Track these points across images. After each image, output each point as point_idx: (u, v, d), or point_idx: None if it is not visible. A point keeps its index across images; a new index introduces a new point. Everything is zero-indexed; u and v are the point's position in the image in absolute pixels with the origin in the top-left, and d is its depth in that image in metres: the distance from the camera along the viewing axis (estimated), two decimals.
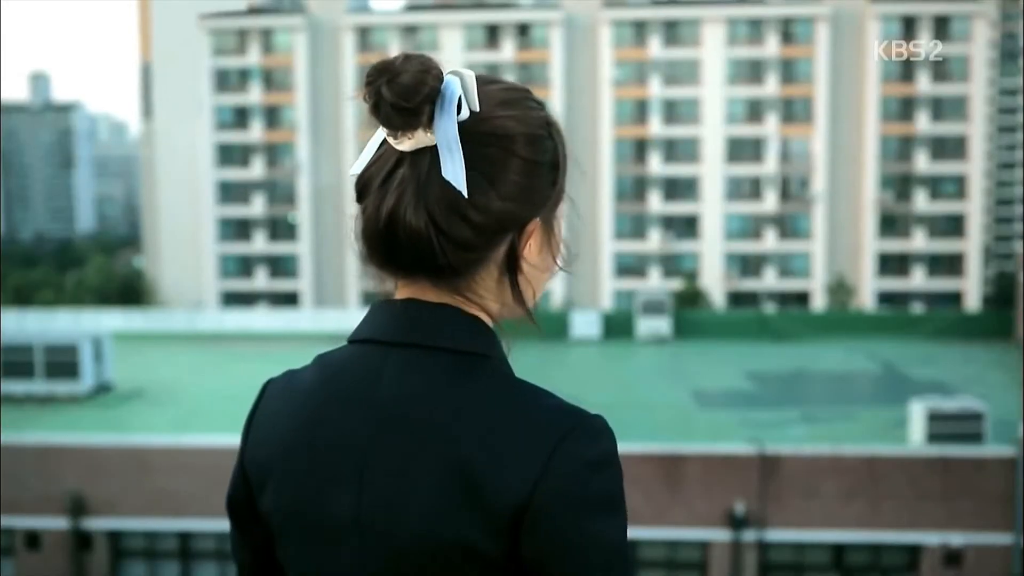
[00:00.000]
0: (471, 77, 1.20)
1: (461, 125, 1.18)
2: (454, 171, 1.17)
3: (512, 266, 1.24)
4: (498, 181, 1.20)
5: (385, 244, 1.21)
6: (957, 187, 66.65)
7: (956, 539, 16.91)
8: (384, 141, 1.22)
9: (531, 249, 1.25)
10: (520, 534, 1.14)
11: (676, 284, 62.02)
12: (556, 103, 66.04)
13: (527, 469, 1.14)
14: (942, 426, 18.31)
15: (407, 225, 1.18)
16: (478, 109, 1.19)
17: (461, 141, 1.18)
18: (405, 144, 1.18)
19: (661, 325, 35.00)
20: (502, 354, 1.25)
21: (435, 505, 1.15)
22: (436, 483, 1.16)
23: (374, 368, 1.22)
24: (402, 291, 1.26)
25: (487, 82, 1.24)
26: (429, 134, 1.17)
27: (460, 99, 1.18)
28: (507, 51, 67.78)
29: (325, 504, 1.21)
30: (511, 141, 1.21)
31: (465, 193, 1.17)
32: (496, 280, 1.24)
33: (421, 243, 1.19)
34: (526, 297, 1.27)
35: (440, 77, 1.17)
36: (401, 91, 1.15)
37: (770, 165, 66.54)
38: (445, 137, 1.17)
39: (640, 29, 67.35)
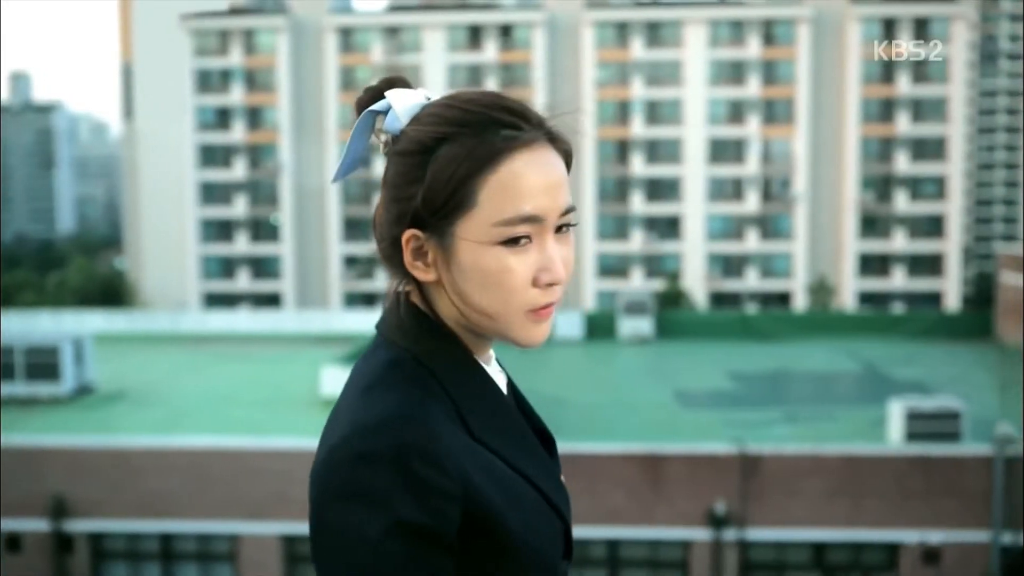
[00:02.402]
0: (397, 95, 1.32)
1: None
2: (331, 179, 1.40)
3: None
4: (382, 192, 1.33)
5: None
6: (937, 188, 67.06)
7: (935, 537, 17.05)
8: None
9: (433, 264, 1.30)
10: None
11: (658, 284, 62.13)
12: (538, 104, 66.04)
13: (321, 450, 1.26)
14: (920, 425, 18.46)
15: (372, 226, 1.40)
16: (397, 127, 1.31)
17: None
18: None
19: (643, 325, 35.09)
20: (424, 350, 1.31)
21: None
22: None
23: None
24: None
25: (450, 96, 1.33)
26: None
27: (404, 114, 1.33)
28: (490, 52, 67.81)
29: None
30: (391, 157, 1.31)
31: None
32: (438, 287, 1.33)
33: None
34: (436, 304, 1.34)
35: (375, 95, 1.33)
36: (355, 105, 1.35)
37: (752, 166, 66.79)
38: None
39: (622, 30, 67.50)
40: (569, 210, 1.32)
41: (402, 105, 1.31)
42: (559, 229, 1.32)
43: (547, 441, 1.46)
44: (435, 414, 1.26)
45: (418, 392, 1.27)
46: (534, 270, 1.28)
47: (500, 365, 1.46)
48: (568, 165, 1.37)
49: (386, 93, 1.33)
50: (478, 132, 1.27)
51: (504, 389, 1.40)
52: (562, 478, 1.47)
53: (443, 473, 1.21)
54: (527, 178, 1.28)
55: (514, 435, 1.35)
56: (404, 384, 1.28)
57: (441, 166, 1.26)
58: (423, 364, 1.31)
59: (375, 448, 1.21)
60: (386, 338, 1.34)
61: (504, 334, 1.32)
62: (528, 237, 1.28)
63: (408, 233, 1.29)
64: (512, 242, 1.27)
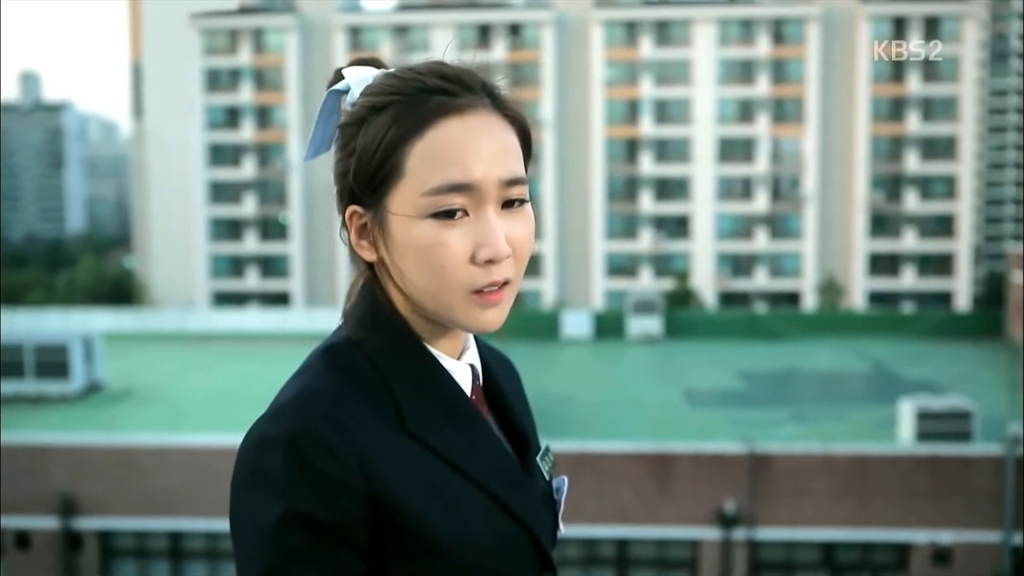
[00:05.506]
0: (353, 72, 1.26)
1: None
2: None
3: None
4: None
5: None
6: (947, 187, 66.84)
7: (945, 537, 16.97)
8: None
9: (376, 243, 1.24)
10: None
11: (667, 284, 62.07)
12: (548, 103, 66.12)
13: None
14: (931, 424, 18.38)
15: None
16: (352, 101, 1.26)
17: None
18: None
19: (652, 325, 35.04)
20: (365, 336, 1.25)
21: None
22: None
23: None
24: None
25: (396, 68, 1.28)
26: None
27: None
28: (499, 51, 67.78)
29: None
30: (337, 131, 1.27)
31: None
32: (385, 268, 1.26)
33: None
34: (386, 287, 1.26)
35: (340, 75, 1.28)
36: (327, 87, 1.30)
37: (761, 165, 66.66)
38: None
39: (631, 29, 67.42)
40: (515, 181, 1.20)
41: (356, 81, 1.25)
42: (510, 205, 1.21)
43: (523, 445, 1.35)
44: (348, 401, 1.18)
45: (337, 378, 1.20)
46: (471, 245, 1.18)
47: (490, 359, 1.37)
48: (525, 138, 1.26)
49: (344, 71, 1.27)
50: (410, 100, 1.20)
51: (468, 383, 1.29)
52: (560, 484, 1.37)
53: (337, 461, 1.13)
54: (457, 145, 1.18)
55: (462, 431, 1.24)
56: (328, 370, 1.21)
57: (370, 136, 1.20)
58: (362, 351, 1.23)
59: (272, 432, 1.17)
60: (340, 325, 1.28)
61: (448, 317, 1.22)
62: (464, 210, 1.18)
63: (350, 210, 1.23)
64: (445, 215, 1.17)
